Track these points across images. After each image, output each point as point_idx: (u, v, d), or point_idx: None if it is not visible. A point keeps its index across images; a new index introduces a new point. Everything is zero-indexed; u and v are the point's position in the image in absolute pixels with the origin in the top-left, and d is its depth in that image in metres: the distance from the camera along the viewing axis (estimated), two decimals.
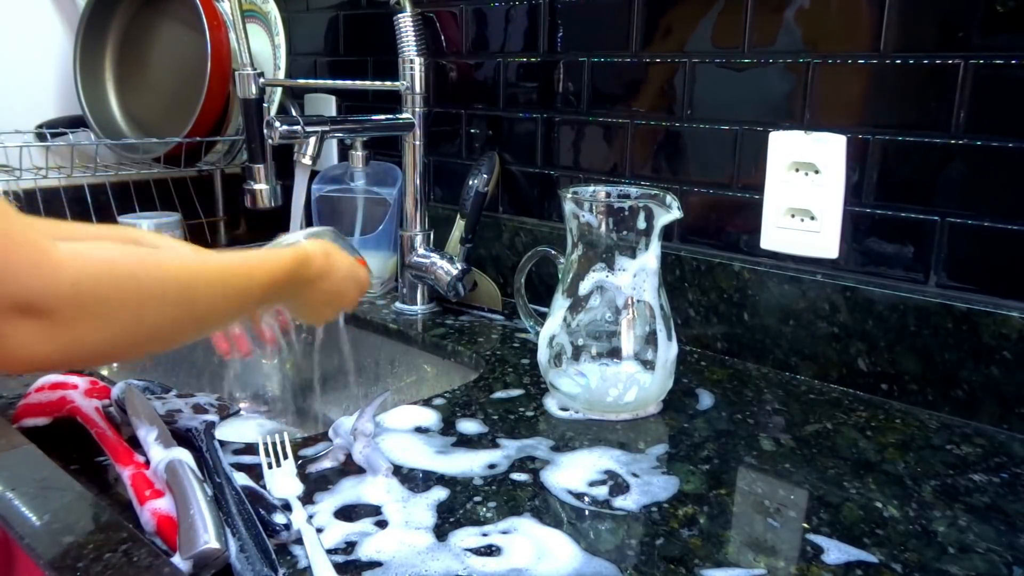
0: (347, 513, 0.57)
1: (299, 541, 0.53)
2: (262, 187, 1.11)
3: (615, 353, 0.74)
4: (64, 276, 0.44)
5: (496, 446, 0.68)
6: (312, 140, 0.92)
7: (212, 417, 0.67)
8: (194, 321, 0.55)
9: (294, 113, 1.32)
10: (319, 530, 0.54)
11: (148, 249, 0.60)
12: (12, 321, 0.43)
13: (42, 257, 0.44)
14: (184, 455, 0.58)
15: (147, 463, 0.59)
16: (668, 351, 0.73)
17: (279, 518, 0.54)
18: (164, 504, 0.54)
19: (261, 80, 1.09)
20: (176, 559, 0.49)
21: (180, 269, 0.53)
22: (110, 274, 0.48)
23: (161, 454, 0.58)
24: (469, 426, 0.71)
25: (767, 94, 0.84)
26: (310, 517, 0.56)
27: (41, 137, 1.23)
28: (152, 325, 0.50)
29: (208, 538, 0.49)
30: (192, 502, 0.52)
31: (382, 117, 1.02)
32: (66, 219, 1.16)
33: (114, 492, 0.59)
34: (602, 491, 0.60)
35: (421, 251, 1.05)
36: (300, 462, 0.64)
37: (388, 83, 1.04)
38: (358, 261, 0.79)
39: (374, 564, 0.51)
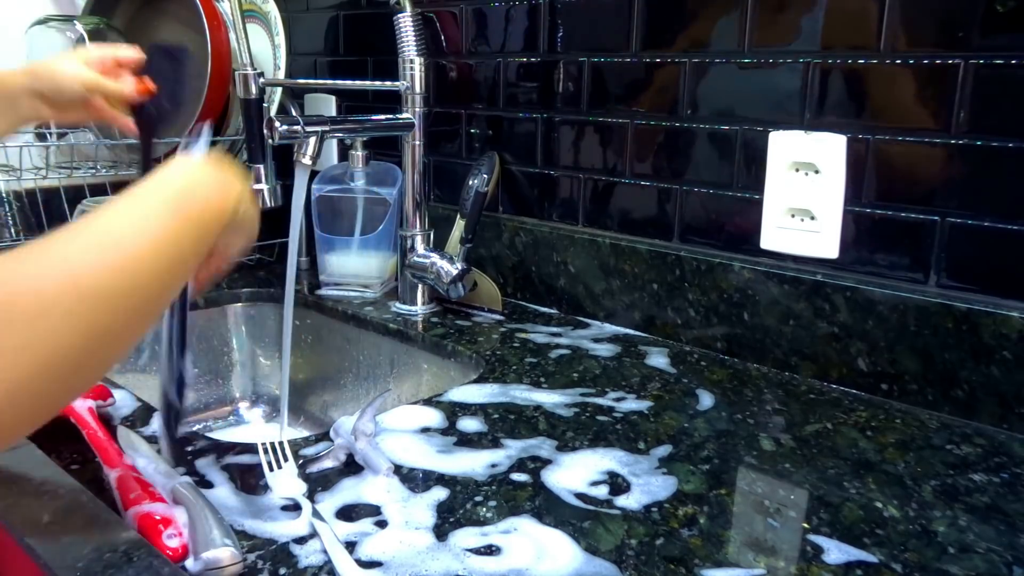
0: (347, 513, 0.57)
1: (302, 540, 0.53)
2: (262, 187, 1.11)
3: None
4: None
5: (498, 445, 0.68)
6: (312, 140, 0.92)
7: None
8: (137, 294, 0.45)
9: (294, 113, 1.32)
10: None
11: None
12: None
13: None
14: (186, 480, 0.58)
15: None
16: None
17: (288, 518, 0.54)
18: (147, 507, 0.55)
19: (261, 80, 1.09)
20: (188, 562, 0.49)
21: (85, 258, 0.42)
22: None
23: (163, 482, 0.58)
24: (470, 425, 0.71)
25: (767, 94, 0.84)
26: (316, 515, 0.56)
27: (41, 137, 1.23)
28: (70, 338, 0.40)
29: (221, 541, 0.50)
30: (205, 512, 0.53)
31: (382, 117, 1.02)
32: (66, 219, 1.16)
33: (113, 492, 0.59)
34: (603, 491, 0.60)
35: (421, 251, 1.05)
36: (301, 462, 0.64)
37: (388, 83, 1.04)
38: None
39: (374, 564, 0.51)
